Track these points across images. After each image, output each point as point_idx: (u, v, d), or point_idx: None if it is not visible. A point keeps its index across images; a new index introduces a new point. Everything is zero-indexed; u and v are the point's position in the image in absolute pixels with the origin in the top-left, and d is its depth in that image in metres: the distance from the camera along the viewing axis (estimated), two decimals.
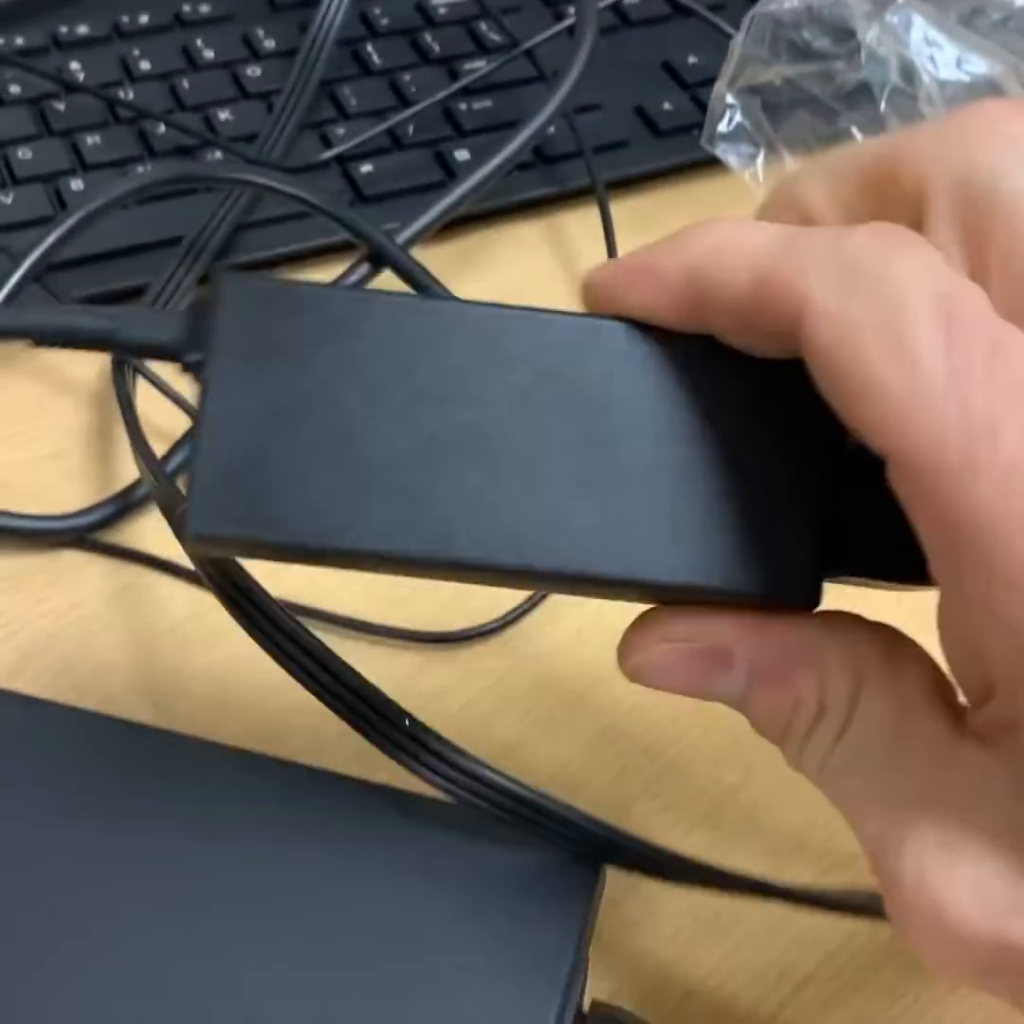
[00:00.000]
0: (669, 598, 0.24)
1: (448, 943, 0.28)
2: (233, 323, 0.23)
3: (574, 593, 0.25)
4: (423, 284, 0.41)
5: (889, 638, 0.23)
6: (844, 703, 0.23)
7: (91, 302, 0.43)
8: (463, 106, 0.49)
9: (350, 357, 0.23)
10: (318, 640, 0.28)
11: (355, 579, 0.37)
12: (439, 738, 0.28)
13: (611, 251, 0.46)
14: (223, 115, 0.48)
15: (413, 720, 0.28)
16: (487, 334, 0.23)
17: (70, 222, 0.40)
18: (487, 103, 0.49)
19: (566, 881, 0.28)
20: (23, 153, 0.46)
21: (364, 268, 0.41)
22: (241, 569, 0.27)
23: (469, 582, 0.24)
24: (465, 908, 0.28)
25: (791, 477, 0.23)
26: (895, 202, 0.23)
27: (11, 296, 0.39)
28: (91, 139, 0.46)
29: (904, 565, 0.22)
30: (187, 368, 0.24)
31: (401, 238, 0.42)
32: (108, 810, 0.29)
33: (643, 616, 0.24)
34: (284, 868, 0.29)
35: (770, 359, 0.22)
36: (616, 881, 0.30)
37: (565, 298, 0.45)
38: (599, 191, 0.46)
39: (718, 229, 0.22)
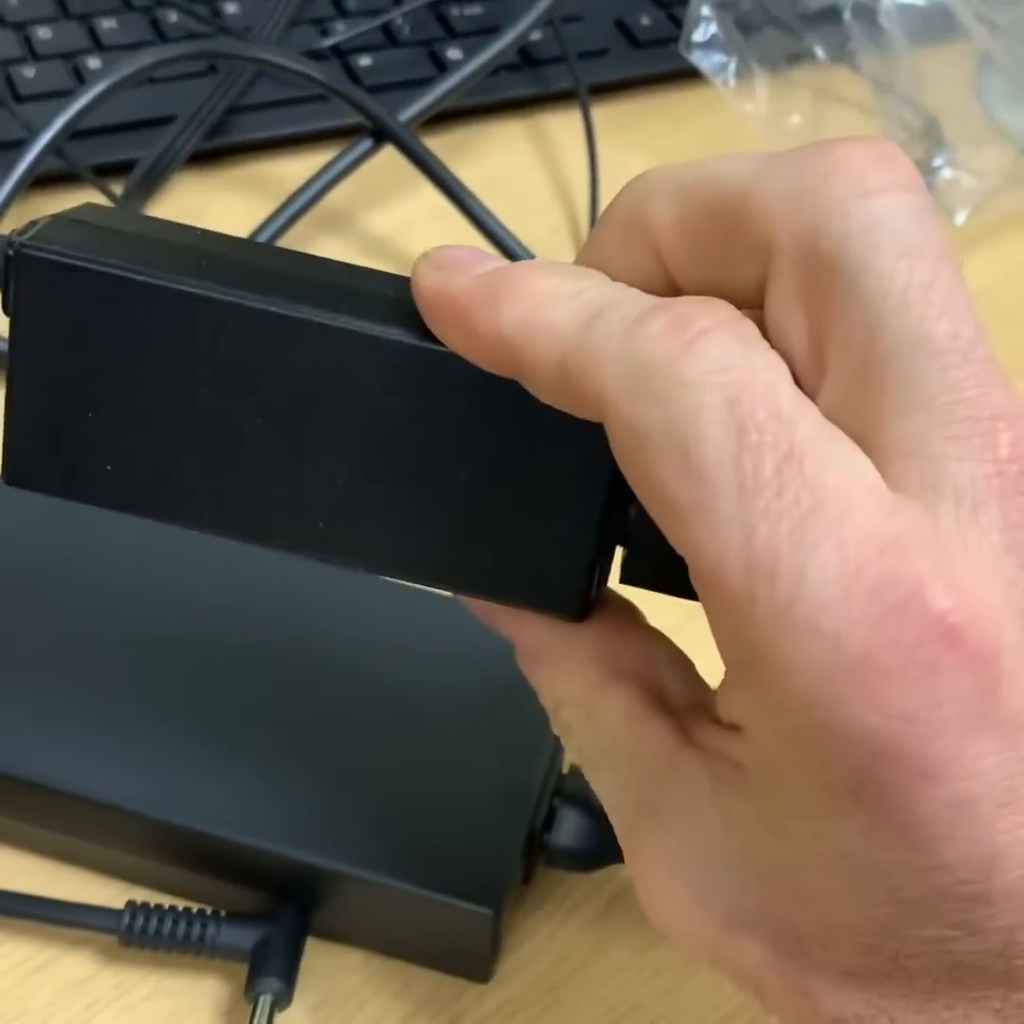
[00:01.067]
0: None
1: (450, 711, 0.32)
2: (36, 303, 0.24)
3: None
4: (424, 159, 0.45)
5: (641, 644, 0.24)
6: (581, 705, 0.24)
7: (98, 174, 0.46)
8: (455, 11, 0.52)
9: (144, 341, 0.23)
10: None
11: None
12: None
13: (591, 150, 0.49)
14: (230, 8, 0.51)
15: None
16: (275, 337, 0.23)
17: (91, 95, 0.43)
18: (476, 9, 0.53)
19: None
20: (43, 32, 0.49)
21: (367, 142, 0.45)
22: None
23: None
24: (465, 682, 0.32)
25: (567, 495, 0.23)
26: (742, 246, 0.21)
27: (31, 167, 0.42)
28: (107, 23, 0.49)
29: (683, 583, 0.21)
30: None
31: (403, 116, 0.45)
32: None
33: None
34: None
35: None
36: None
37: (544, 190, 0.49)
38: (581, 93, 0.50)
39: (526, 293, 0.21)
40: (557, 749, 0.31)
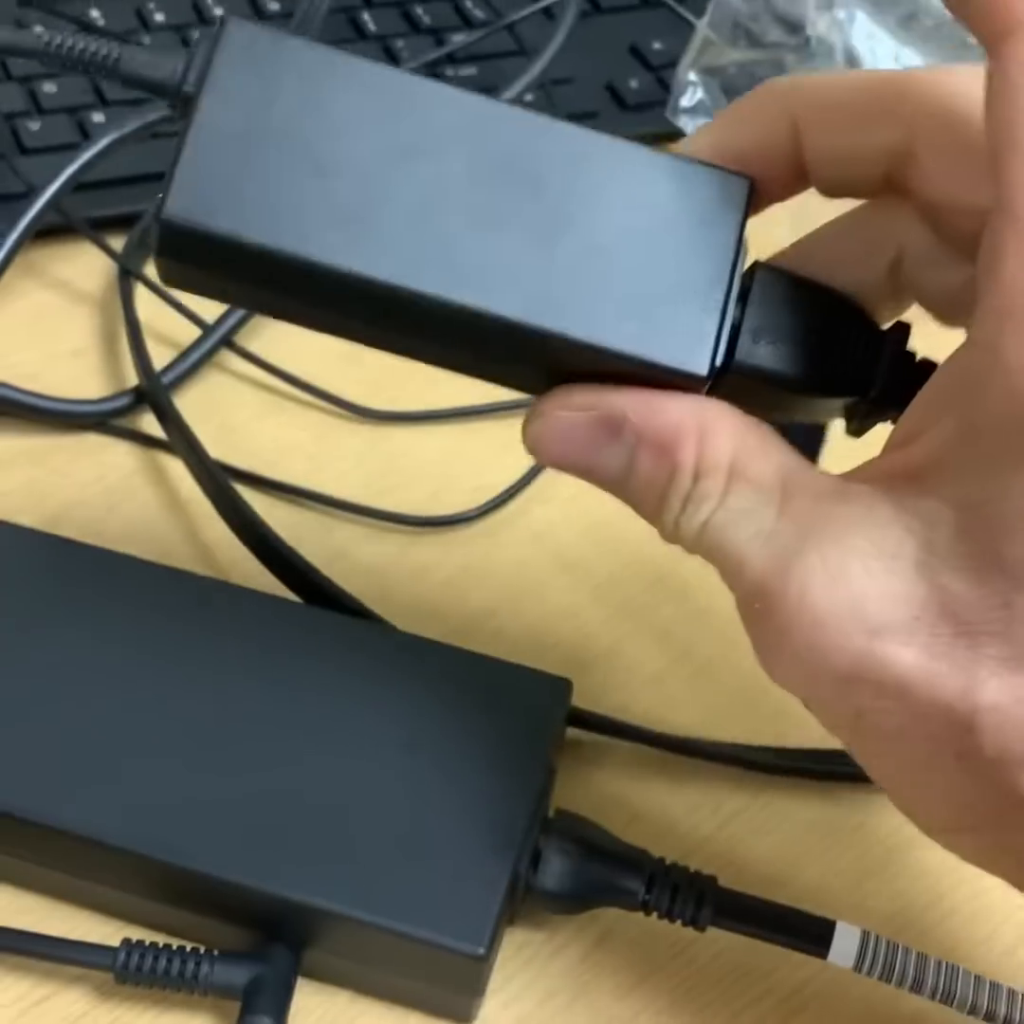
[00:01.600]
0: (575, 368, 0.27)
1: (439, 750, 0.32)
2: (232, 62, 0.26)
3: (491, 351, 0.27)
4: None
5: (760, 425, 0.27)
6: (722, 472, 0.25)
7: (96, 226, 0.47)
8: (450, 72, 0.54)
9: (331, 105, 0.26)
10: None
11: (352, 468, 0.42)
12: None
13: None
14: None
15: None
16: (465, 115, 0.27)
17: (92, 151, 0.44)
18: (471, 71, 0.54)
19: (543, 697, 0.33)
20: (48, 87, 0.50)
21: None
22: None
23: (391, 326, 0.27)
24: (453, 720, 0.33)
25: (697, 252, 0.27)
26: (889, 116, 0.26)
27: (33, 222, 0.43)
28: None
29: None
30: (178, 104, 0.27)
31: None
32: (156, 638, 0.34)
33: (550, 392, 0.27)
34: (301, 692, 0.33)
35: None
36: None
37: None
38: None
39: None
40: (544, 790, 0.32)
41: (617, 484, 0.27)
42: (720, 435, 0.26)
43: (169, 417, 0.41)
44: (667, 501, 0.26)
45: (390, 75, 0.27)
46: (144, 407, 0.42)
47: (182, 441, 0.40)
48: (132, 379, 0.43)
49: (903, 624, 0.23)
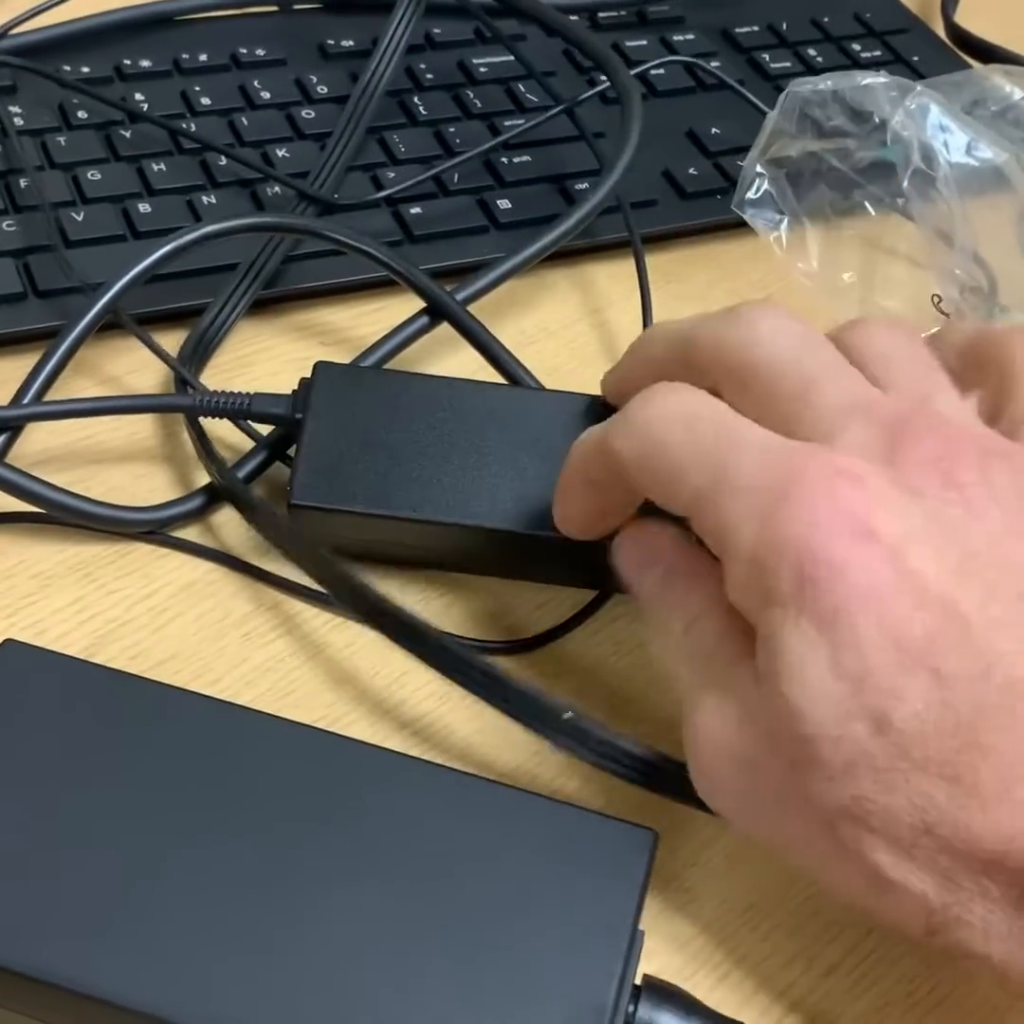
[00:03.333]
0: None
1: (519, 913, 0.30)
2: (323, 393, 0.40)
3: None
4: (474, 333, 0.44)
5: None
6: (694, 618, 0.32)
7: (148, 321, 0.45)
8: (504, 160, 0.52)
9: (399, 412, 0.39)
10: (479, 658, 0.35)
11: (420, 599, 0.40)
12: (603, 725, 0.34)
13: (645, 299, 0.49)
14: (280, 152, 0.51)
15: (575, 711, 0.33)
16: (488, 406, 0.40)
17: (149, 261, 0.41)
18: (526, 157, 0.52)
19: (626, 851, 0.31)
20: (92, 174, 0.48)
21: (423, 320, 0.45)
22: (394, 604, 0.35)
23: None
24: (534, 880, 0.31)
25: None
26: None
27: (92, 323, 0.41)
28: (156, 166, 0.49)
29: None
30: (291, 427, 0.40)
31: (460, 296, 0.45)
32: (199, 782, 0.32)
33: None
34: (360, 844, 0.31)
35: None
36: (658, 872, 0.33)
37: (591, 340, 0.48)
38: (635, 243, 0.50)
39: None
40: (629, 959, 0.30)
41: (648, 600, 0.35)
42: (703, 594, 0.33)
43: (257, 508, 0.39)
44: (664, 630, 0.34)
45: (435, 384, 0.40)
46: (197, 517, 0.41)
47: (280, 527, 0.38)
48: (185, 487, 0.41)
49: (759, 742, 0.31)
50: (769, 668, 0.29)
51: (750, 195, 0.49)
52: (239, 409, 0.40)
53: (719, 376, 0.34)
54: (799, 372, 0.32)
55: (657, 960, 0.33)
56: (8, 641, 0.33)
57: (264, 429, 0.42)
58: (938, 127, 0.49)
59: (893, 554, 0.29)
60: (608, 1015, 0.29)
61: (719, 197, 0.52)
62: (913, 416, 0.31)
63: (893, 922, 0.30)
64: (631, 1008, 0.30)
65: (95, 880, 0.30)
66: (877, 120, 0.50)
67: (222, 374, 0.45)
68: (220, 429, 0.43)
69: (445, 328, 0.45)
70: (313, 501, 0.38)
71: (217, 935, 0.29)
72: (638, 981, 0.31)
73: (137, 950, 0.29)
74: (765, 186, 0.49)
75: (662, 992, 0.31)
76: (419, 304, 0.45)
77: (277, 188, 0.49)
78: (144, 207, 0.48)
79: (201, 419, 0.41)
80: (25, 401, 0.40)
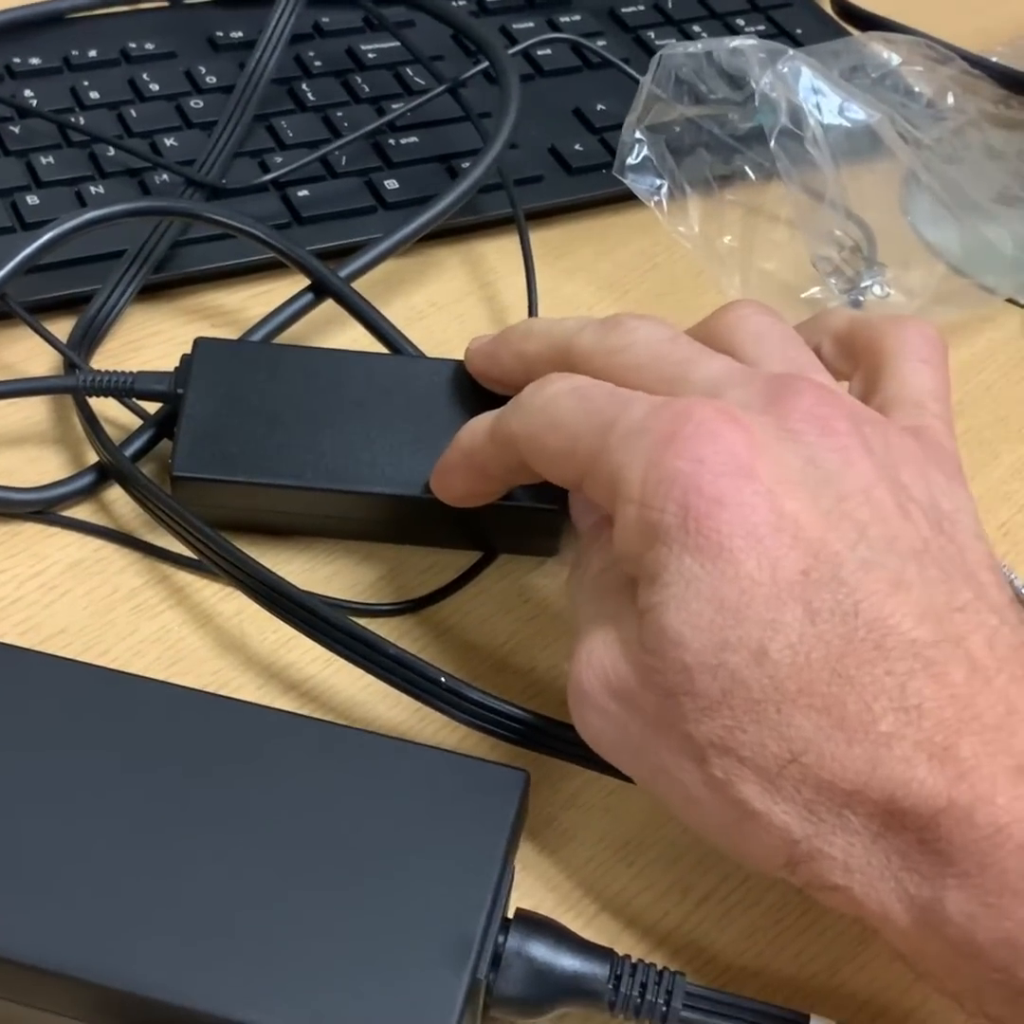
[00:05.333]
0: None
1: (393, 853, 0.31)
2: (203, 367, 0.41)
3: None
4: (360, 310, 0.45)
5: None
6: (598, 570, 0.34)
7: (39, 309, 0.46)
8: (392, 141, 0.53)
9: (279, 383, 0.40)
10: (357, 624, 0.36)
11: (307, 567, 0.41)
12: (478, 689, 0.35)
13: (529, 274, 0.50)
14: (169, 141, 0.51)
15: (450, 676, 0.35)
16: (366, 374, 0.41)
17: (33, 246, 0.42)
18: (413, 138, 0.53)
19: (497, 791, 0.32)
20: None
21: (308, 296, 0.46)
22: (271, 572, 0.37)
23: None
24: (408, 821, 0.32)
25: None
26: None
27: None
28: (45, 159, 0.50)
29: None
30: (175, 403, 0.41)
31: (343, 273, 0.46)
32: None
33: None
34: (242, 796, 0.32)
35: None
36: (535, 814, 0.34)
37: (480, 314, 0.49)
38: (519, 219, 0.50)
39: None
40: (499, 893, 0.31)
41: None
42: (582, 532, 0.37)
43: (142, 484, 0.39)
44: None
45: (314, 354, 0.43)
46: (85, 496, 0.41)
47: (162, 503, 0.39)
48: (73, 467, 0.42)
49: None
50: (651, 601, 0.31)
51: (630, 160, 0.50)
52: (123, 387, 0.41)
53: (601, 377, 0.35)
54: (679, 357, 0.34)
55: (533, 898, 0.34)
56: None
57: (152, 408, 0.43)
58: (810, 90, 0.50)
59: (772, 494, 0.30)
60: (476, 945, 0.30)
61: (604, 172, 0.53)
62: (791, 379, 0.33)
63: (754, 856, 0.31)
64: (501, 938, 0.31)
65: None
66: (752, 86, 0.51)
67: (112, 358, 0.46)
68: (111, 410, 0.43)
69: (334, 308, 0.46)
70: (194, 472, 0.39)
71: (104, 888, 0.30)
72: (511, 914, 0.32)
73: (17, 905, 0.30)
74: (644, 152, 0.50)
75: (532, 923, 0.32)
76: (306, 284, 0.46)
77: (165, 176, 0.50)
78: (32, 199, 0.48)
79: (90, 400, 0.42)
80: None
